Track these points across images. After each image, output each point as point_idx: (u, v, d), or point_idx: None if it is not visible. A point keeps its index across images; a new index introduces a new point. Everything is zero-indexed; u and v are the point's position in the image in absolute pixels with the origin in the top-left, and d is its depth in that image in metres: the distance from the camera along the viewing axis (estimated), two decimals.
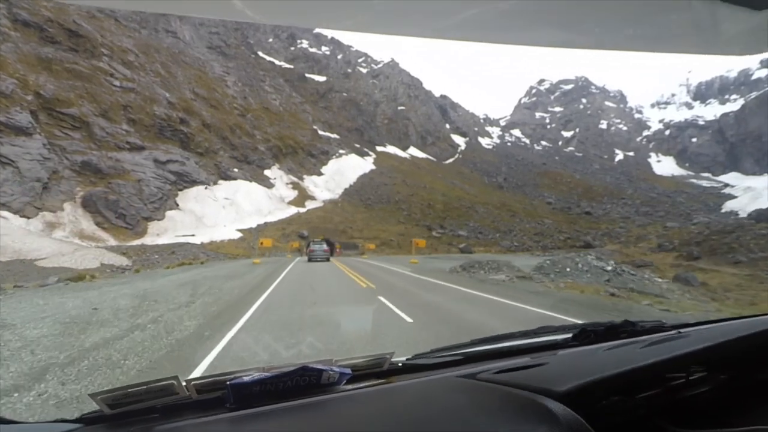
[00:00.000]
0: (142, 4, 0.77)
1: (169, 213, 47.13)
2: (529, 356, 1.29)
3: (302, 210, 58.30)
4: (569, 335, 1.48)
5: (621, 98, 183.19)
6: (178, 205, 49.96)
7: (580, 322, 1.76)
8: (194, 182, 56.07)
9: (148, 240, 38.85)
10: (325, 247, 29.72)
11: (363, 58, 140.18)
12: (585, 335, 1.43)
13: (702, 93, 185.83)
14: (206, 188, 52.97)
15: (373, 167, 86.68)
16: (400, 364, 1.28)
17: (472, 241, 47.69)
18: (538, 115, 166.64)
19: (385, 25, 0.81)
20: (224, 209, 52.18)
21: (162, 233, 42.35)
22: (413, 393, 0.98)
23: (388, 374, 1.19)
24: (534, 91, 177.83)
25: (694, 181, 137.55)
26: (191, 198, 51.76)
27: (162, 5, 0.80)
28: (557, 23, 0.82)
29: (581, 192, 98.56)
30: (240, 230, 44.58)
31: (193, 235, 41.07)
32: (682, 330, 1.38)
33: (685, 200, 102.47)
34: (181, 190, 53.59)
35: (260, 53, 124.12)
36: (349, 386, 1.04)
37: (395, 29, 0.82)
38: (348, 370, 1.05)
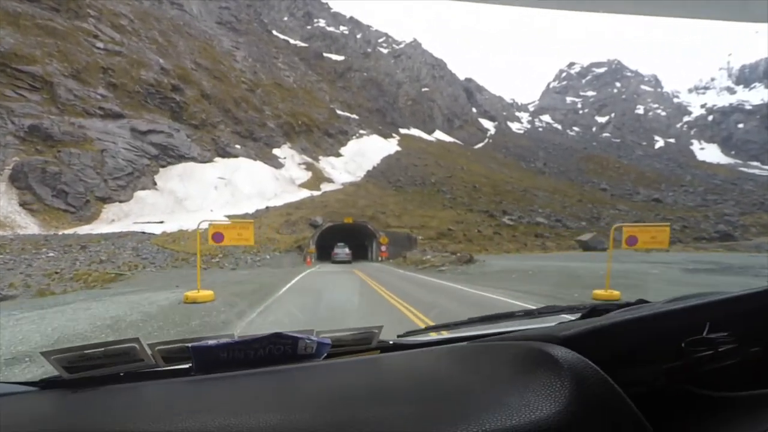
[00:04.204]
0: None
1: (139, 193, 33.76)
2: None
3: (316, 193, 44.53)
4: (577, 315, 1.21)
5: (656, 83, 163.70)
6: (155, 183, 36.58)
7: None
8: (182, 157, 42.64)
9: (93, 227, 25.59)
10: (347, 250, 27.16)
11: (383, 38, 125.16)
12: (596, 314, 1.15)
13: (745, 76, 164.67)
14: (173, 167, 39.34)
15: (399, 149, 72.30)
16: (390, 342, 1.10)
17: (561, 230, 33.39)
18: (569, 99, 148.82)
19: None
20: (216, 190, 38.67)
21: (121, 218, 29.02)
22: (400, 363, 0.87)
23: (375, 351, 1.02)
24: (564, 74, 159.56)
25: (744, 169, 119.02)
26: (175, 176, 38.33)
27: None
28: None
29: (634, 178, 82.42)
30: (230, 216, 30.85)
31: (161, 222, 27.62)
32: None
33: (754, 188, 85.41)
34: (163, 166, 40.20)
35: (274, 32, 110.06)
36: (329, 360, 0.90)
37: None
38: (327, 341, 0.90)
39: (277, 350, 0.83)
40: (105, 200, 30.63)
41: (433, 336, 1.24)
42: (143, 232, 23.72)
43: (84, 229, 24.55)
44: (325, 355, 0.89)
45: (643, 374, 0.71)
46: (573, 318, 1.17)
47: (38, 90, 41.32)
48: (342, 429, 0.52)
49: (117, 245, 18.19)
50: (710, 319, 0.78)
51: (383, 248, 27.49)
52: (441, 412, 0.52)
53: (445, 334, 1.26)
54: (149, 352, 0.79)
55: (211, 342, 0.81)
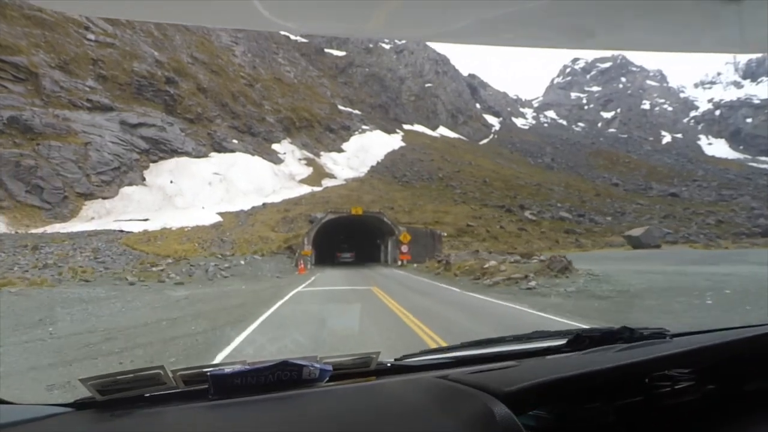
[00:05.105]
0: (161, 13, 0.73)
1: (125, 189, 30.94)
2: (515, 361, 1.20)
3: (317, 189, 41.63)
4: (563, 341, 1.32)
5: (661, 78, 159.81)
6: (144, 179, 33.73)
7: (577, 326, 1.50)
8: (175, 152, 39.81)
9: (68, 225, 22.76)
10: (350, 252, 27.22)
11: None
12: (579, 341, 1.28)
13: (752, 71, 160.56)
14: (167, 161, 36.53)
15: (403, 144, 69.34)
16: (388, 365, 1.19)
17: (590, 225, 30.47)
18: (573, 95, 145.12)
19: (399, 28, 0.78)
20: (210, 186, 35.82)
21: (103, 216, 26.18)
22: (388, 392, 0.94)
23: (373, 374, 1.10)
24: (568, 70, 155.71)
25: (753, 164, 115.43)
26: (165, 171, 35.48)
27: (179, 15, 0.76)
28: (568, 25, 0.77)
29: (645, 173, 79.21)
30: (222, 213, 27.98)
31: (145, 220, 24.74)
32: (679, 337, 1.24)
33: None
34: (155, 161, 37.38)
35: None
36: (331, 384, 0.98)
37: (409, 33, 0.79)
38: (329, 367, 0.98)
39: (285, 376, 0.91)
40: (86, 196, 27.80)
41: (427, 359, 1.30)
42: (121, 230, 20.89)
43: (57, 228, 21.71)
44: (328, 378, 0.96)
45: (593, 412, 0.76)
46: (558, 344, 1.28)
47: (22, 81, 38.68)
48: None
49: (78, 246, 15.30)
50: (673, 365, 0.82)
51: (404, 248, 21.81)
52: None
53: (438, 357, 1.32)
54: (171, 376, 0.87)
55: (227, 369, 0.90)
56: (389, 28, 0.74)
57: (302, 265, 18.09)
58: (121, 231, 20.71)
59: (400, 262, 22.41)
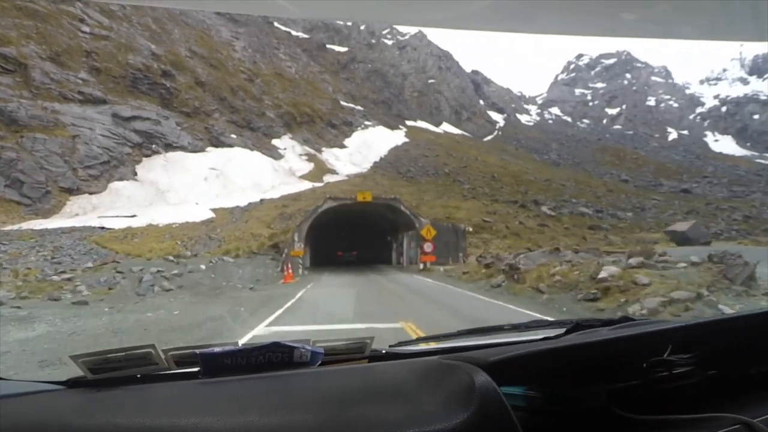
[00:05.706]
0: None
1: (115, 184, 29.05)
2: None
3: (319, 185, 39.72)
4: (562, 330, 1.28)
5: (666, 74, 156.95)
6: (136, 174, 31.85)
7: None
8: (170, 146, 37.92)
9: (48, 222, 20.89)
10: (353, 250, 25.59)
11: (388, 30, 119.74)
12: (579, 330, 1.22)
13: (759, 66, 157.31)
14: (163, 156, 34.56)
15: (406, 140, 67.38)
16: (383, 351, 1.17)
17: (614, 221, 28.60)
18: (578, 91, 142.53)
19: (405, 14, 0.78)
20: (206, 181, 33.93)
21: (88, 212, 24.30)
22: (380, 374, 0.92)
23: (366, 360, 1.08)
24: (572, 66, 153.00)
25: (761, 161, 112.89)
26: (158, 166, 33.59)
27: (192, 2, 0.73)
28: (579, 10, 0.75)
29: (654, 170, 77.04)
30: (215, 209, 26.04)
31: (132, 216, 22.85)
32: None
33: None
34: (148, 156, 35.49)
35: (275, 23, 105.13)
36: (323, 367, 0.98)
37: (413, 19, 0.78)
38: (321, 350, 0.97)
39: (276, 358, 0.90)
40: (71, 191, 25.93)
41: (422, 347, 1.30)
42: (102, 227, 19.00)
43: (34, 224, 19.83)
44: (320, 362, 0.95)
45: (585, 394, 0.75)
46: (557, 333, 1.24)
47: (10, 73, 36.87)
48: (328, 428, 0.57)
49: (38, 244, 13.42)
50: (672, 342, 0.81)
51: (427, 247, 17.20)
52: (383, 416, 0.59)
53: (434, 345, 1.32)
54: (163, 356, 0.87)
55: (217, 349, 0.89)
56: (400, 13, 0.70)
57: (289, 271, 14.15)
58: (102, 228, 18.82)
59: (421, 265, 18.10)
